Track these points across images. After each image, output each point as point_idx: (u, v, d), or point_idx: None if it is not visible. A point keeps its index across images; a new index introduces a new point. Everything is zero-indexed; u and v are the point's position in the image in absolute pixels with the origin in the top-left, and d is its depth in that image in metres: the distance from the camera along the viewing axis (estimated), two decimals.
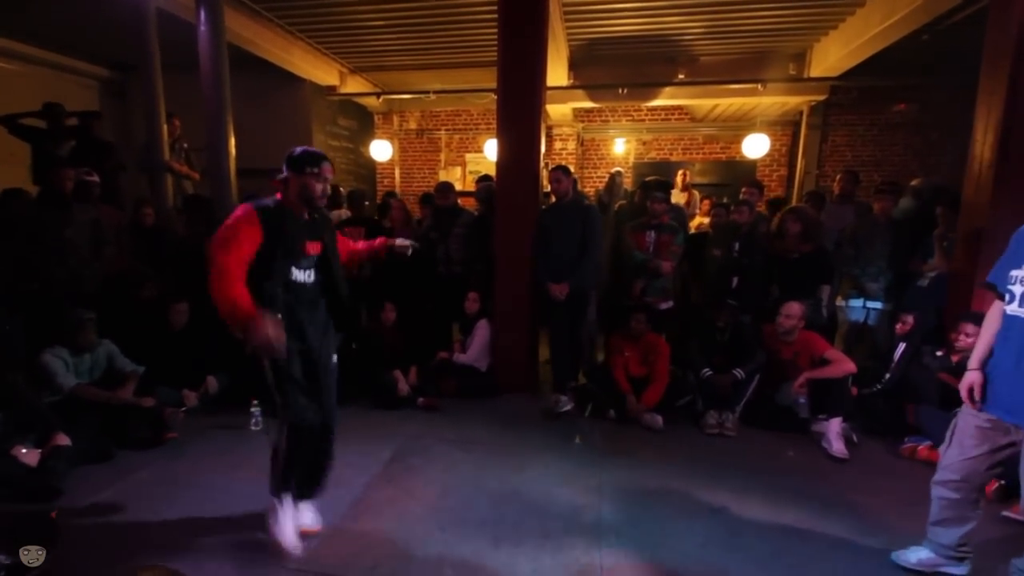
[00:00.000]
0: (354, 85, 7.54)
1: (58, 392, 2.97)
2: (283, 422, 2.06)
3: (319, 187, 2.03)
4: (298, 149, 2.05)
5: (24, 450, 2.58)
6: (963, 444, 1.91)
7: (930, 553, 2.05)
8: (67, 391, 2.99)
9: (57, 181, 3.66)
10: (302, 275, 2.09)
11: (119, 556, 2.12)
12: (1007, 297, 1.79)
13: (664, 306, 3.95)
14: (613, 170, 5.01)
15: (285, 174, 2.03)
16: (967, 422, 1.91)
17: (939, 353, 3.25)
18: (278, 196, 2.04)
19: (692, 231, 4.92)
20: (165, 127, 4.68)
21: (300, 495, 2.24)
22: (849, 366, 3.33)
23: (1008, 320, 1.78)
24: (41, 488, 2.49)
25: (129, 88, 7.00)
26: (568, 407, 3.68)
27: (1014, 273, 1.76)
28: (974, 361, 1.94)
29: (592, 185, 7.73)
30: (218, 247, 1.87)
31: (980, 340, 1.95)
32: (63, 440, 2.68)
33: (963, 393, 1.91)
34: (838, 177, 4.78)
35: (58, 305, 3.33)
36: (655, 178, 4.17)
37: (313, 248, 2.11)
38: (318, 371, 2.13)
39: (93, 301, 3.41)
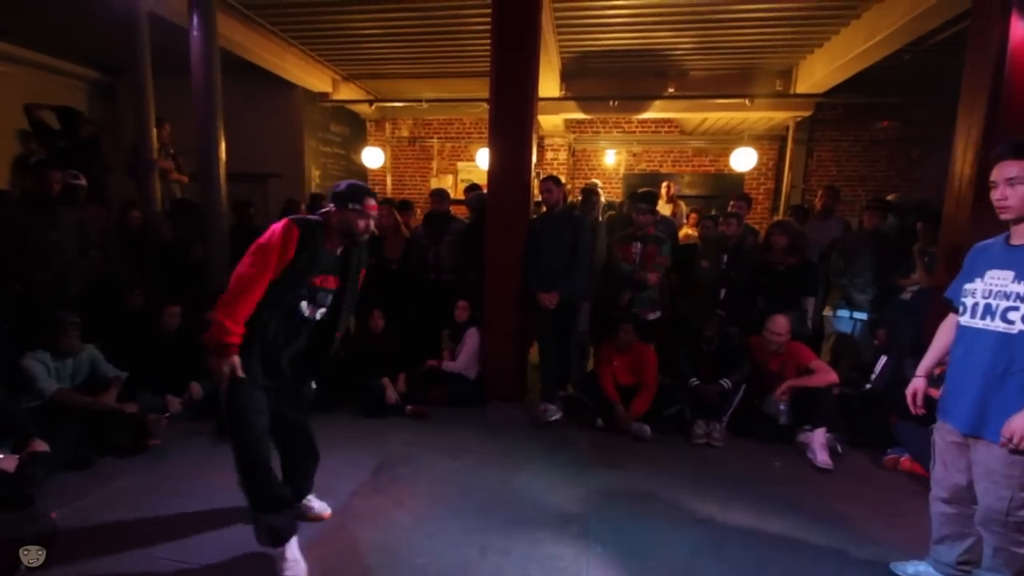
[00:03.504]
0: (347, 92, 7.56)
1: (39, 397, 2.91)
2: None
3: (362, 224, 2.00)
4: (344, 184, 2.03)
5: (0, 456, 2.52)
6: (945, 461, 1.93)
7: (929, 568, 2.06)
8: (48, 396, 2.92)
9: (43, 183, 3.61)
10: (309, 310, 2.05)
11: (97, 566, 2.07)
12: (960, 309, 1.85)
13: (652, 316, 3.97)
14: (587, 184, 5.05)
15: (329, 207, 2.02)
16: (942, 439, 1.94)
17: None
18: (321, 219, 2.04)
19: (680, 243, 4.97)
20: (155, 131, 4.65)
21: (298, 495, 2.30)
22: (831, 376, 3.37)
23: (961, 331, 1.85)
24: (14, 496, 2.42)
25: (119, 91, 6.95)
26: (556, 416, 3.68)
27: (967, 287, 1.84)
28: (921, 369, 2.04)
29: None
30: (256, 256, 1.88)
31: (930, 350, 2.06)
32: (41, 446, 2.62)
33: (908, 399, 2.03)
34: (819, 193, 4.88)
35: (41, 308, 3.28)
36: (647, 189, 4.22)
37: (327, 282, 2.06)
38: (282, 407, 2.13)
39: (77, 304, 3.36)
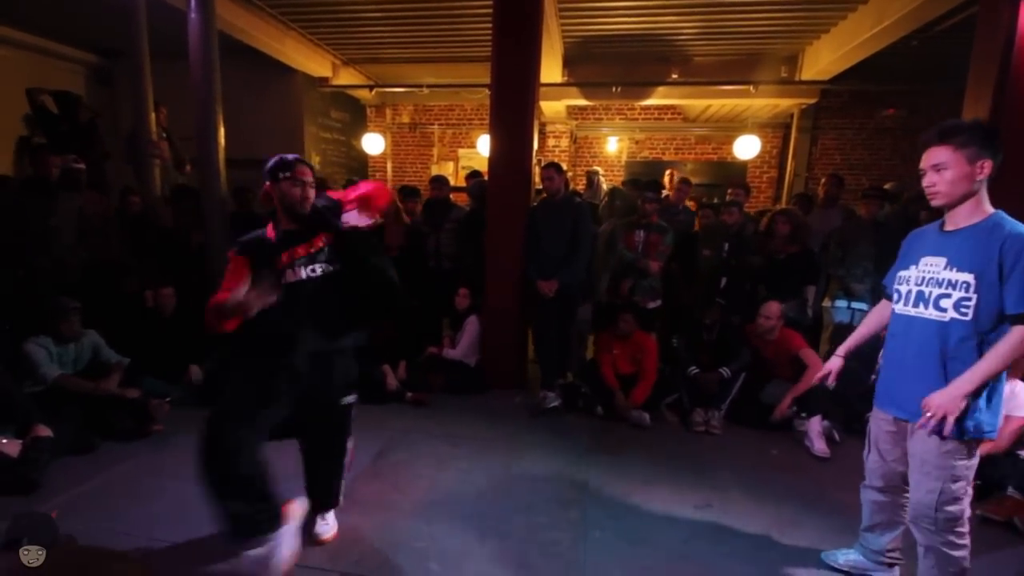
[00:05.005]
0: (347, 77, 7.48)
1: (41, 382, 2.93)
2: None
3: (296, 191, 1.96)
4: (272, 158, 2.00)
5: (4, 440, 2.54)
6: (880, 449, 1.92)
7: (859, 556, 2.07)
8: (50, 381, 2.95)
9: (42, 168, 3.60)
10: (302, 271, 1.96)
11: (101, 550, 2.09)
12: (895, 297, 1.83)
13: (652, 305, 3.97)
14: (590, 169, 5.02)
15: (266, 185, 2.00)
16: (877, 427, 1.93)
17: None
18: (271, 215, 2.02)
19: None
20: (153, 116, 4.61)
21: (320, 507, 2.19)
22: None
23: (894, 318, 1.84)
24: (19, 479, 2.45)
25: (117, 75, 6.88)
26: (555, 403, 3.69)
27: (902, 274, 1.82)
28: (841, 349, 2.05)
29: (583, 184, 7.76)
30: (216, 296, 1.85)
31: (855, 332, 2.07)
32: (44, 431, 2.65)
33: (817, 376, 2.08)
34: (823, 181, 4.84)
35: (42, 294, 3.28)
36: (667, 176, 4.18)
37: (296, 252, 1.97)
38: (309, 408, 2.01)
39: (77, 290, 3.36)
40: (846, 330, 4.22)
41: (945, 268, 1.66)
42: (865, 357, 3.78)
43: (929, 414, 1.61)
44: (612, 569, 2.10)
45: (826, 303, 4.30)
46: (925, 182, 1.68)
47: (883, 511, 1.97)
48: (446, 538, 2.25)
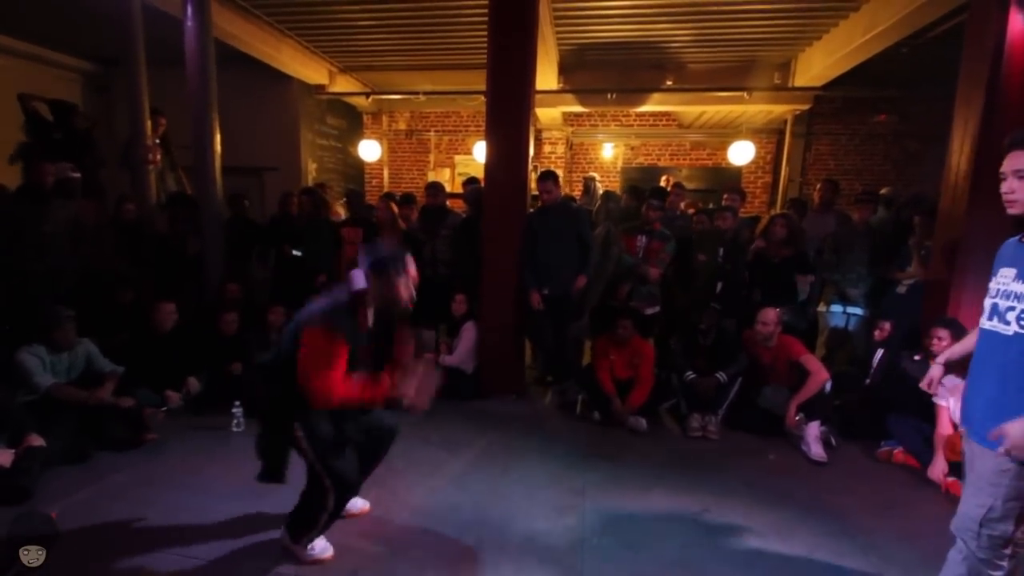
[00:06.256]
0: (343, 84, 7.50)
1: (34, 391, 2.90)
2: (329, 488, 1.98)
3: (406, 294, 1.99)
4: (378, 249, 1.99)
5: None
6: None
7: None
8: (44, 390, 2.92)
9: (36, 175, 3.59)
10: None
11: (94, 559, 2.08)
12: (984, 313, 1.74)
13: (650, 311, 3.98)
14: (587, 176, 5.05)
15: (366, 278, 1.95)
16: (969, 448, 1.75)
17: (916, 357, 3.31)
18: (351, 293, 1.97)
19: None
20: (149, 123, 4.61)
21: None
22: (824, 375, 3.38)
23: (980, 334, 1.75)
24: (11, 489, 2.43)
25: (113, 83, 6.89)
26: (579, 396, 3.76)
27: (989, 286, 1.73)
28: (941, 357, 2.01)
29: (580, 190, 7.78)
30: (316, 370, 1.86)
31: (958, 344, 1.98)
32: (37, 441, 2.63)
33: (923, 384, 2.01)
34: (818, 186, 4.88)
35: (36, 302, 3.26)
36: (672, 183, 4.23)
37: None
38: (373, 444, 2.23)
39: (71, 298, 3.34)
40: (841, 334, 4.24)
41: (1014, 280, 1.58)
42: (860, 362, 3.81)
43: (1005, 446, 1.49)
44: (610, 575, 2.09)
45: (821, 308, 4.31)
46: (1004, 188, 1.59)
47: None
48: (443, 546, 2.24)
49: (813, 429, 3.19)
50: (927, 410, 2.99)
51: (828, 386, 3.45)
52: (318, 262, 4.35)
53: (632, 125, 8.09)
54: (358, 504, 2.42)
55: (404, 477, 2.80)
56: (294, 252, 4.47)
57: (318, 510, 2.01)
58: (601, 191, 5.61)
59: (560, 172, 7.47)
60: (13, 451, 2.55)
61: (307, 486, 2.03)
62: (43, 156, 3.78)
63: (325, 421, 1.97)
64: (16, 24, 5.57)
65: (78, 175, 3.82)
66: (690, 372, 3.57)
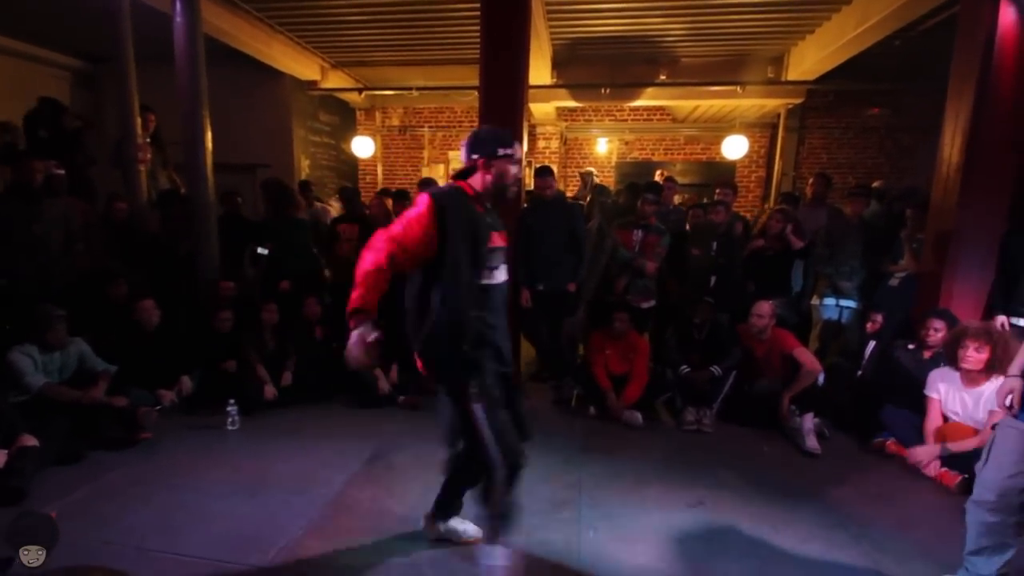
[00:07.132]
0: (335, 80, 7.45)
1: (26, 392, 2.89)
2: (495, 469, 1.84)
3: (515, 171, 1.79)
4: (484, 130, 1.83)
5: None
6: (1001, 462, 1.78)
7: None
8: (36, 390, 2.90)
9: (26, 173, 3.55)
10: (494, 275, 1.82)
11: (89, 559, 2.07)
12: None
13: (646, 305, 3.99)
14: (584, 170, 5.05)
15: (473, 159, 1.78)
16: (1009, 437, 1.77)
17: (910, 347, 3.34)
18: (460, 185, 1.80)
19: None
20: (139, 120, 4.56)
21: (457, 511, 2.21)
22: (816, 368, 3.41)
23: None
24: (5, 490, 2.41)
25: (102, 80, 6.81)
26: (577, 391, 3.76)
27: None
28: (1014, 368, 1.84)
29: (576, 184, 7.78)
30: (388, 231, 1.68)
31: (1020, 355, 1.86)
32: (29, 441, 2.61)
33: (998, 399, 1.86)
34: (811, 180, 4.90)
35: (27, 301, 3.23)
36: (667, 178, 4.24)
37: (500, 239, 1.85)
38: (515, 396, 1.98)
39: (63, 298, 3.32)
40: (835, 327, 4.27)
41: None
42: (852, 354, 3.84)
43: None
44: (606, 569, 2.10)
45: (814, 301, 4.34)
46: None
47: (991, 532, 1.83)
48: (439, 541, 2.23)
49: (807, 421, 3.21)
50: (919, 402, 3.02)
51: (821, 379, 3.48)
52: (289, 260, 4.27)
53: (626, 120, 8.09)
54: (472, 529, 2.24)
55: (400, 474, 2.81)
56: (259, 250, 4.38)
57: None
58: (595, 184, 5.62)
59: (555, 167, 7.47)
60: (6, 452, 2.53)
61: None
62: (30, 153, 3.74)
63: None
64: (3, 21, 5.49)
65: (62, 172, 3.78)
66: (685, 366, 3.58)
